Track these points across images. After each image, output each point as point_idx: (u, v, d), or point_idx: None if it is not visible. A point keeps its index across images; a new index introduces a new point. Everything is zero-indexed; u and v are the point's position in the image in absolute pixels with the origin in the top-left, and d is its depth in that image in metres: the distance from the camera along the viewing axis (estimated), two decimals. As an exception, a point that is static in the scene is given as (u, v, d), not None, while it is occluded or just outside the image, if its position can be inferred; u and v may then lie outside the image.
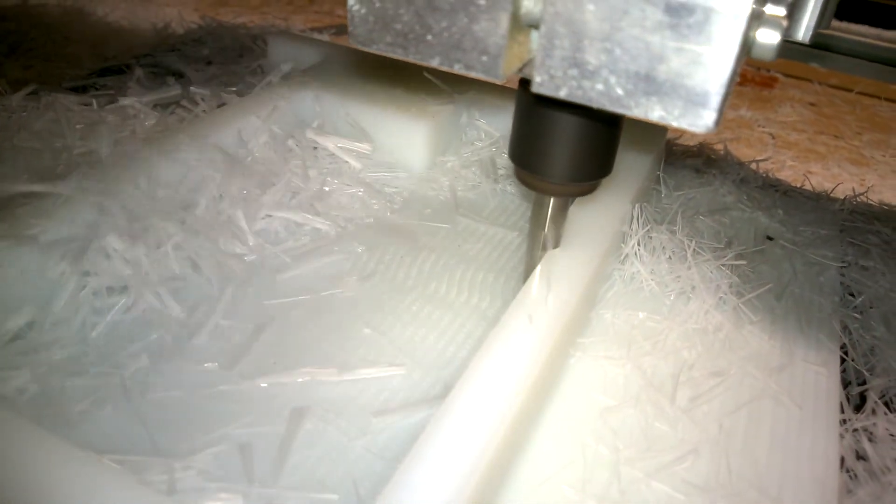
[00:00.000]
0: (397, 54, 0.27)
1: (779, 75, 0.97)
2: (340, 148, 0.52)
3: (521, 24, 0.26)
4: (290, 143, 0.51)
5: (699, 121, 0.24)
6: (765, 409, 0.37)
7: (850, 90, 0.94)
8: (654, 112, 0.24)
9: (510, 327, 0.34)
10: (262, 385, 0.35)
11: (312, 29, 0.94)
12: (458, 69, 0.27)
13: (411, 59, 0.27)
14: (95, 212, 0.39)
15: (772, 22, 0.24)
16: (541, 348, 0.34)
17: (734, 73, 0.23)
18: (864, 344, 0.43)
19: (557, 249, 0.40)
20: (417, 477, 0.27)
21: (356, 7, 0.27)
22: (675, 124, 0.24)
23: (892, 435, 0.36)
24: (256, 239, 0.43)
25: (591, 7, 0.23)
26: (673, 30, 0.23)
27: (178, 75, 0.64)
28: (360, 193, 0.49)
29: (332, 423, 0.33)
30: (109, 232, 0.38)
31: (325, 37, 0.79)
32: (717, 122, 0.24)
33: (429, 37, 0.27)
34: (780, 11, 0.24)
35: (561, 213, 0.40)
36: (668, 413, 0.36)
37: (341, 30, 0.96)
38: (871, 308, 0.45)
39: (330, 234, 0.46)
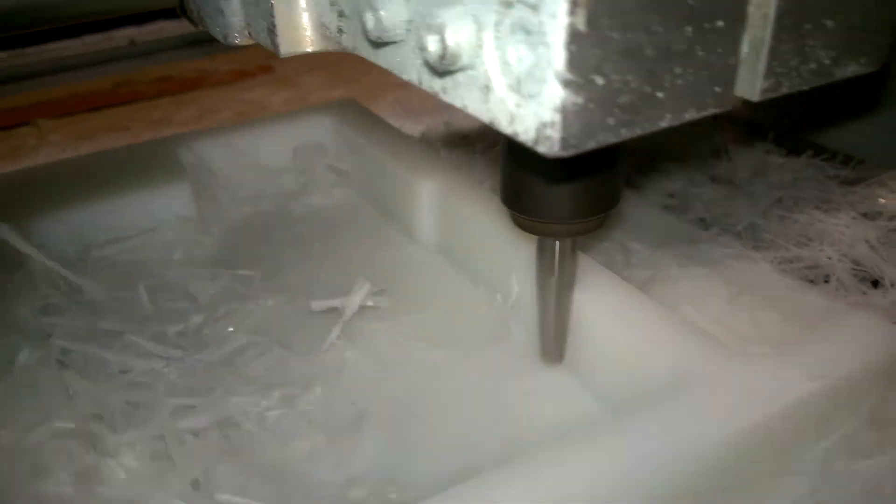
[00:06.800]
0: (620, 137, 0.23)
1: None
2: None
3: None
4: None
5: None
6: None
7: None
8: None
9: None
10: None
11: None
12: (688, 117, 0.24)
13: (636, 134, 0.24)
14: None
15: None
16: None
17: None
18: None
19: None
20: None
21: (569, 101, 0.21)
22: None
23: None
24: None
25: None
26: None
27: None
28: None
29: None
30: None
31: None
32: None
33: (659, 94, 0.23)
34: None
35: (570, 255, 0.37)
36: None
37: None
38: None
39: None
